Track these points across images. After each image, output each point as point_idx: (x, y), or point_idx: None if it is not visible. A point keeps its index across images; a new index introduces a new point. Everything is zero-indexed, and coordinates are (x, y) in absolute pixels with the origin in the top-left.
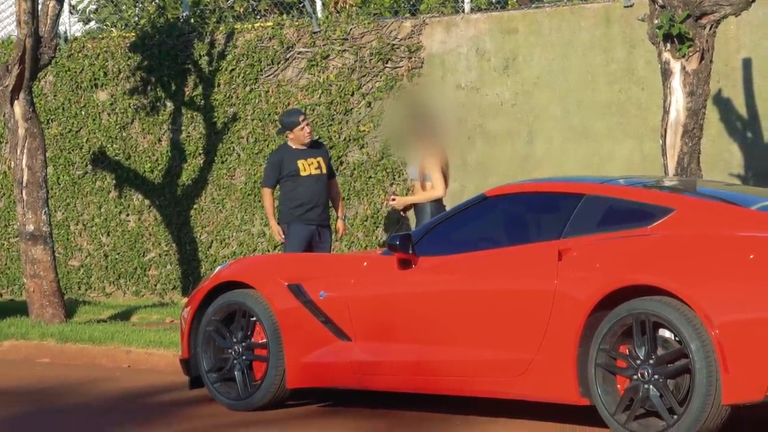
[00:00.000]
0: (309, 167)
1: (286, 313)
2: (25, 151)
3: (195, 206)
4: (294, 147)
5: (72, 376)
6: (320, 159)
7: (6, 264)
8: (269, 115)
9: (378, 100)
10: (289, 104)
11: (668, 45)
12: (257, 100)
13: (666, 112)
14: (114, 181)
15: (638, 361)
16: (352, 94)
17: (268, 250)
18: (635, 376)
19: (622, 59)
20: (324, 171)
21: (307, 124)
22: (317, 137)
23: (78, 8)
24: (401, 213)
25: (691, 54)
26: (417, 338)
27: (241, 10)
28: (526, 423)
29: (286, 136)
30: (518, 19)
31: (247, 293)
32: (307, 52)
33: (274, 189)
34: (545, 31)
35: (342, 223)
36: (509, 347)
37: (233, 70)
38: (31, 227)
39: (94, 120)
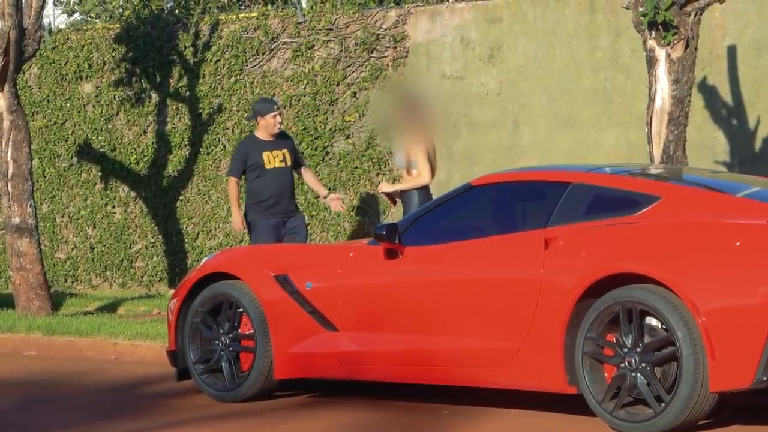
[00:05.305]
0: (274, 160)
1: (273, 303)
2: (10, 143)
3: (181, 197)
4: (260, 137)
5: (59, 369)
6: (285, 151)
7: None
8: None
9: (363, 90)
10: (274, 95)
11: (653, 33)
12: (242, 91)
13: (651, 99)
14: (99, 173)
15: (625, 349)
16: (338, 84)
17: None
18: (622, 364)
19: (607, 47)
20: (288, 163)
21: (280, 114)
22: (302, 126)
23: (62, 0)
24: (391, 203)
25: (676, 41)
26: (404, 328)
27: (226, 0)
28: (513, 412)
29: (256, 122)
30: (503, 7)
31: (233, 284)
32: (292, 42)
33: (240, 179)
34: (530, 19)
35: (335, 196)
36: (496, 336)
37: (218, 61)
38: (16, 220)
39: (79, 112)
